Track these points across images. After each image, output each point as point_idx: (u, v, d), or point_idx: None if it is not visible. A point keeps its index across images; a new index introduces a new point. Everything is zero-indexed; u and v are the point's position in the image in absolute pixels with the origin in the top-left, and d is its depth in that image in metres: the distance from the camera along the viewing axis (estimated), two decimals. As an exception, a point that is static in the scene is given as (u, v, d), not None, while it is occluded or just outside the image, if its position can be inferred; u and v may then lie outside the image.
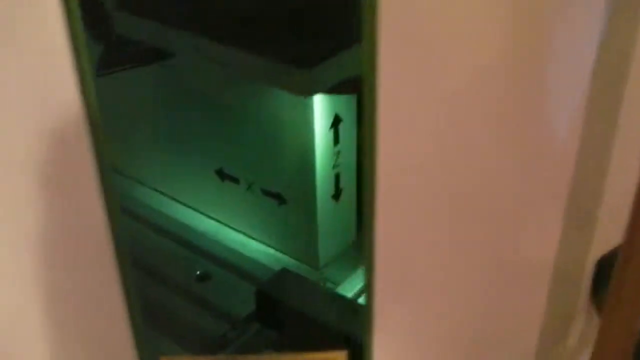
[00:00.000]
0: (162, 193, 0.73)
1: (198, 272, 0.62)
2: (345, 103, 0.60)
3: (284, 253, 0.67)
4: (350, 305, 0.55)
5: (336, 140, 0.63)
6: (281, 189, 0.65)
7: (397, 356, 0.37)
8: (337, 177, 0.64)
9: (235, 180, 0.67)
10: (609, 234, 0.45)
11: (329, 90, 0.55)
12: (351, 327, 0.54)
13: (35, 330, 0.34)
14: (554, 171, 0.41)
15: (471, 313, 0.40)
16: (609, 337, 0.32)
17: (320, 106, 0.59)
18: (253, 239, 0.68)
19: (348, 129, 0.63)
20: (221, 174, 0.68)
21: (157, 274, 0.61)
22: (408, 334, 0.37)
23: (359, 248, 0.70)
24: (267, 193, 0.66)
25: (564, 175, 0.40)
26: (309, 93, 0.39)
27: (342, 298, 0.58)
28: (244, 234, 0.69)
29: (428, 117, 0.33)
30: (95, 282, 0.35)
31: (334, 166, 0.64)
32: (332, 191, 0.64)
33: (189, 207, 0.72)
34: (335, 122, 0.62)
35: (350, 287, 0.63)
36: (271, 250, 0.68)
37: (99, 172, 0.32)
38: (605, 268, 0.43)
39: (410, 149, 0.32)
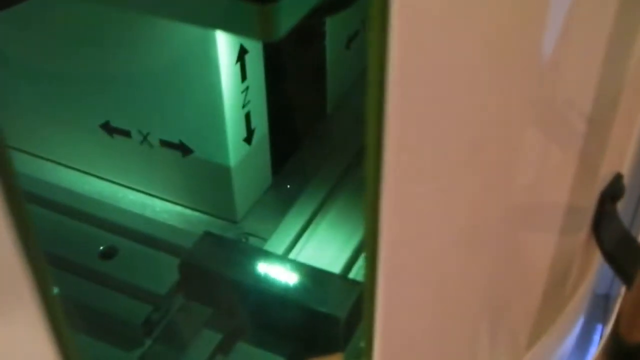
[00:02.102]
0: (41, 158, 0.62)
1: (101, 248, 0.52)
2: (250, 31, 0.51)
3: (195, 210, 0.59)
4: (295, 265, 0.48)
5: (243, 75, 0.54)
6: (184, 138, 0.56)
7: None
8: (247, 117, 0.56)
9: (126, 133, 0.58)
10: (611, 166, 0.40)
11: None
12: (297, 291, 0.47)
13: None
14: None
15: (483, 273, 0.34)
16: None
17: (223, 36, 0.51)
18: (158, 198, 0.59)
19: (255, 61, 0.55)
20: (108, 128, 0.58)
21: (50, 256, 0.51)
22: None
23: (276, 194, 0.63)
24: (167, 144, 0.57)
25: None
26: (272, 35, 0.31)
27: (286, 260, 0.50)
28: (146, 193, 0.60)
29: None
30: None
31: (244, 105, 0.55)
32: (243, 133, 0.56)
33: (77, 170, 0.61)
34: (241, 55, 0.53)
35: (278, 243, 0.56)
36: (178, 208, 0.60)
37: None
38: (606, 201, 0.39)
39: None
